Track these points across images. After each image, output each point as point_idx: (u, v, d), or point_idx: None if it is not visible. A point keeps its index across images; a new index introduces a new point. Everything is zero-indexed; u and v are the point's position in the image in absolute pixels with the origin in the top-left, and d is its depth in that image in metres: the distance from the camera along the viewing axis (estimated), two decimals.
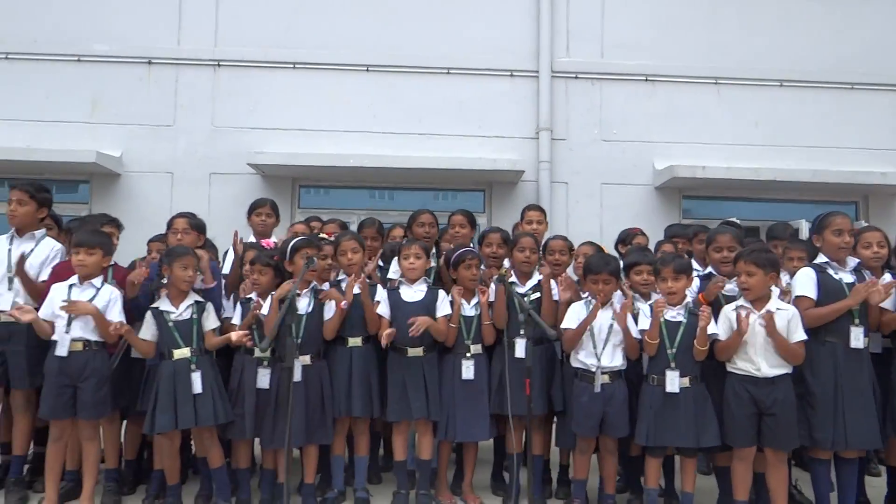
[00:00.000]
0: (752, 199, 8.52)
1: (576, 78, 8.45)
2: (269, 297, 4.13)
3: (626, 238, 5.36)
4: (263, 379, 4.12)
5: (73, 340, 3.87)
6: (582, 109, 8.44)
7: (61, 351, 3.84)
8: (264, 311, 4.06)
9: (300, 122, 8.22)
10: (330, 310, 4.17)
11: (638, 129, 8.43)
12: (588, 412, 4.00)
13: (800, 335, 3.83)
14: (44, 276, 4.25)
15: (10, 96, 8.05)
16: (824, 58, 8.51)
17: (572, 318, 4.10)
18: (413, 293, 4.30)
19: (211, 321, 4.06)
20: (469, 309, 4.34)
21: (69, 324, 3.88)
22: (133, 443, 4.46)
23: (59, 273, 4.13)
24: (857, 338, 3.92)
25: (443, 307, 4.26)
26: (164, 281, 4.09)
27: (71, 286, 3.97)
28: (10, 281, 4.19)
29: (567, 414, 4.23)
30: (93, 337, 3.92)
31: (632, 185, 8.39)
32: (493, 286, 4.35)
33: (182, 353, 3.95)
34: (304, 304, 4.13)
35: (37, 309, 4.04)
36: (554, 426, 4.60)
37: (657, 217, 8.21)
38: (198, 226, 4.51)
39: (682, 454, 4.08)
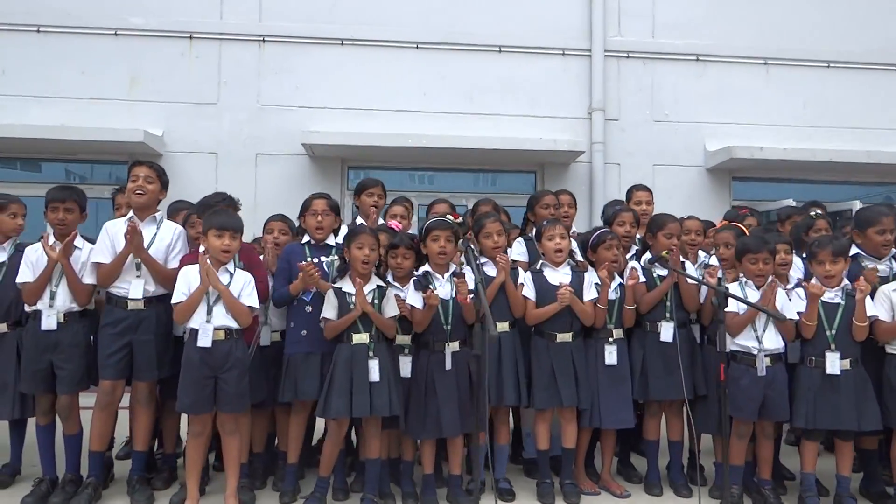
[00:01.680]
0: (800, 181, 8.52)
1: (627, 57, 8.33)
2: (411, 280, 3.95)
3: (734, 218, 5.26)
4: (405, 367, 3.95)
5: (216, 329, 3.62)
6: (633, 89, 8.33)
7: (204, 342, 3.58)
8: (410, 300, 3.87)
9: (348, 101, 7.95)
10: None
11: (689, 110, 8.35)
12: (749, 396, 3.90)
13: None
14: (173, 263, 3.98)
15: (43, 72, 7.60)
16: (870, 39, 8.52)
17: (732, 301, 3.98)
18: (559, 276, 4.14)
19: (391, 308, 3.83)
20: (610, 292, 4.20)
21: (210, 312, 3.63)
22: (261, 435, 4.24)
23: (187, 263, 3.86)
24: None
25: (590, 291, 4.12)
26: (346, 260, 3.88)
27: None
28: (139, 267, 3.91)
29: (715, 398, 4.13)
30: (234, 325, 3.68)
31: (683, 166, 8.32)
32: (632, 267, 4.24)
33: (361, 338, 3.74)
34: (446, 290, 3.94)
35: (166, 295, 3.82)
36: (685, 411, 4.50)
37: (708, 199, 8.22)
38: (334, 207, 4.24)
39: (839, 437, 4.02)
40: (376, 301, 3.80)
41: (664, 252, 4.09)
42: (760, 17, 8.48)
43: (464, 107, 8.10)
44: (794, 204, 7.39)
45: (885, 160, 8.05)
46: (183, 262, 3.87)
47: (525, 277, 4.16)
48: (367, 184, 4.97)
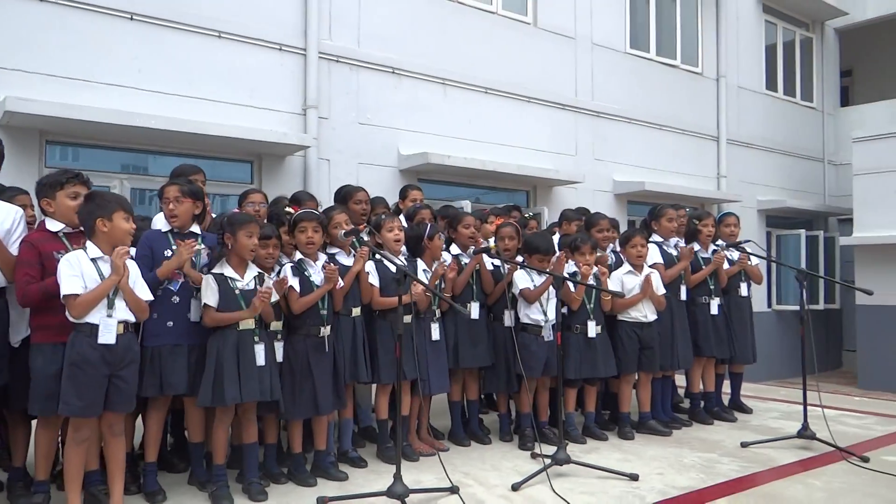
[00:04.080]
0: (470, 186, 10.20)
1: (337, 61, 8.94)
2: (287, 268, 4.12)
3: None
4: (278, 352, 4.09)
5: (118, 323, 3.33)
6: (342, 92, 8.98)
7: (108, 338, 3.27)
8: (293, 283, 4.05)
9: (50, 68, 6.99)
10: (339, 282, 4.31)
11: (387, 116, 9.33)
12: (537, 358, 5.00)
13: (662, 290, 5.49)
14: (13, 249, 3.43)
15: None
16: (511, 74, 10.60)
17: (524, 280, 5.04)
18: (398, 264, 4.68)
19: (273, 294, 3.87)
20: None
21: (111, 306, 3.31)
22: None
23: (41, 244, 3.41)
24: (684, 292, 5.76)
25: (421, 276, 4.75)
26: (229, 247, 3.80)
27: (94, 259, 3.35)
28: None
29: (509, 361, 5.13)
30: (132, 318, 3.42)
31: (381, 166, 9.27)
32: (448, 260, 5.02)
33: (247, 323, 3.77)
34: (320, 277, 4.21)
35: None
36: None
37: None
38: (192, 193, 4.02)
39: (588, 384, 5.39)
40: (258, 287, 3.88)
41: (493, 245, 4.97)
42: (439, 43, 9.87)
43: (182, 89, 7.77)
44: (469, 204, 9.03)
45: (523, 172, 10.16)
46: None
47: (370, 266, 4.61)
48: (186, 170, 4.74)
